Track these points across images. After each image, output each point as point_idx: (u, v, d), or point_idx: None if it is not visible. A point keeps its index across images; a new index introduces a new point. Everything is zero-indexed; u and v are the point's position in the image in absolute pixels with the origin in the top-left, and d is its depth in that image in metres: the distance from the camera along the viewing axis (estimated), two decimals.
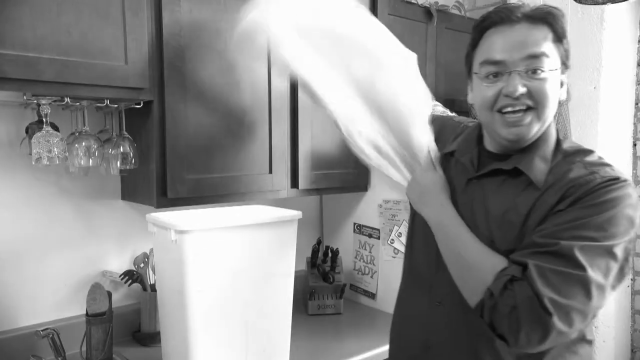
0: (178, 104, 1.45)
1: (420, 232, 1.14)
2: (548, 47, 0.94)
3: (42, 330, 1.39)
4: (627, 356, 2.38)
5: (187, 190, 1.49)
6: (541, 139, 0.99)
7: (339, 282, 1.97)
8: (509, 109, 0.94)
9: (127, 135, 1.50)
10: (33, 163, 1.35)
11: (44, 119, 1.36)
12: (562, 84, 0.99)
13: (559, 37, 0.95)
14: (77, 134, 1.46)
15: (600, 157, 0.99)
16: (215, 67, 1.52)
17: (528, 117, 0.94)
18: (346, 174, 1.89)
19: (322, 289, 1.97)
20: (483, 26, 0.99)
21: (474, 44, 1.01)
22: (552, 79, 0.94)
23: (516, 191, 0.96)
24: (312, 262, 2.04)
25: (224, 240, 1.26)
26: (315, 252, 2.04)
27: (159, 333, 1.59)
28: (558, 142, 1.01)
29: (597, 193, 0.89)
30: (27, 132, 1.46)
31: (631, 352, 2.39)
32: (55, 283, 1.61)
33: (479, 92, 0.99)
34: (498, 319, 0.87)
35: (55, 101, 1.35)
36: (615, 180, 0.90)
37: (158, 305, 1.46)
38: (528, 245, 0.90)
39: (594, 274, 0.84)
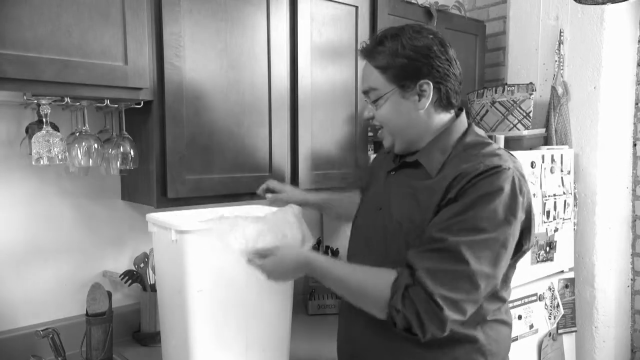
0: (178, 104, 1.46)
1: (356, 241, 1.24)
2: (375, 79, 1.09)
3: (42, 330, 1.39)
4: (627, 356, 2.38)
5: (187, 190, 1.49)
6: (444, 134, 1.11)
7: None
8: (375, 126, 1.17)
9: (127, 135, 1.50)
10: (33, 163, 1.35)
11: (44, 119, 1.36)
12: (421, 94, 1.07)
13: (384, 66, 1.07)
14: (77, 134, 1.46)
15: (499, 148, 1.08)
16: (215, 67, 1.52)
17: (383, 133, 1.16)
18: (346, 174, 1.89)
19: (322, 289, 1.97)
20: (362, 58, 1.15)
21: None
22: (387, 103, 1.09)
23: (418, 179, 1.10)
24: None
25: None
26: None
27: (159, 333, 1.59)
28: (464, 135, 1.11)
29: (478, 184, 0.98)
30: (27, 132, 1.46)
31: (631, 352, 2.39)
32: (55, 283, 1.61)
33: None
34: (410, 324, 0.97)
35: (55, 101, 1.35)
36: (495, 168, 0.99)
37: (158, 305, 1.46)
38: (424, 241, 1.00)
39: (479, 266, 0.95)
